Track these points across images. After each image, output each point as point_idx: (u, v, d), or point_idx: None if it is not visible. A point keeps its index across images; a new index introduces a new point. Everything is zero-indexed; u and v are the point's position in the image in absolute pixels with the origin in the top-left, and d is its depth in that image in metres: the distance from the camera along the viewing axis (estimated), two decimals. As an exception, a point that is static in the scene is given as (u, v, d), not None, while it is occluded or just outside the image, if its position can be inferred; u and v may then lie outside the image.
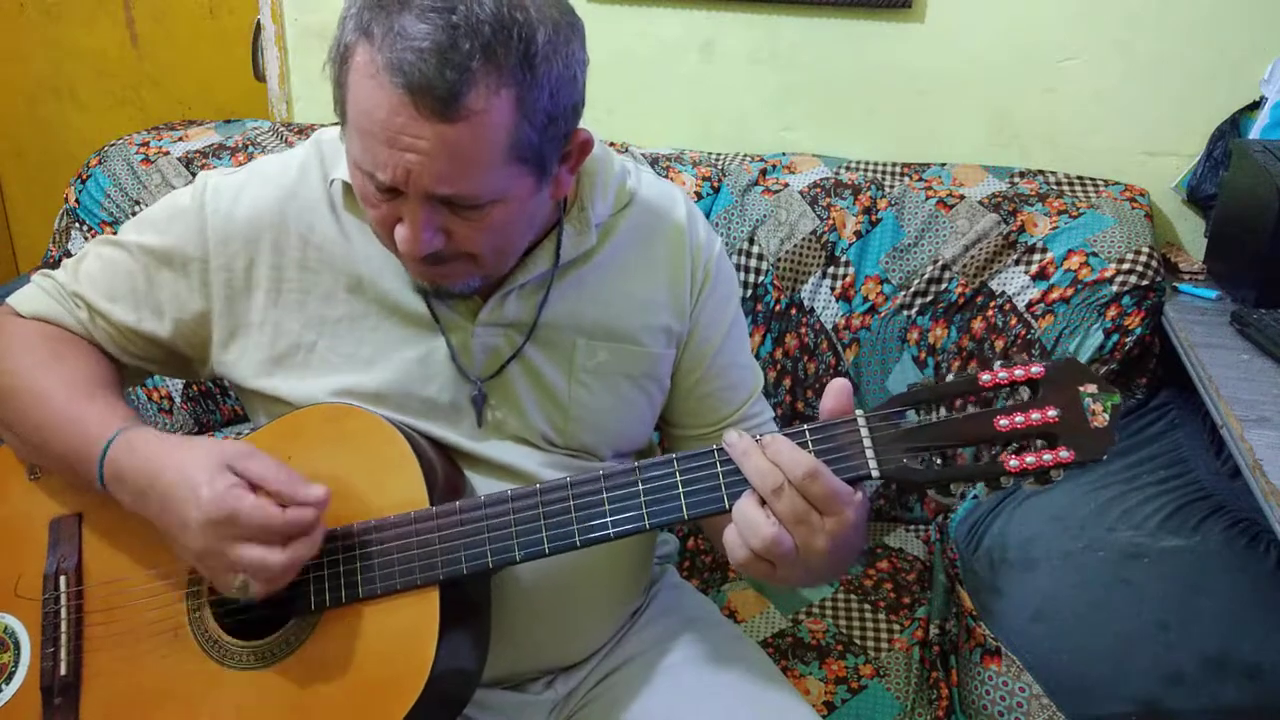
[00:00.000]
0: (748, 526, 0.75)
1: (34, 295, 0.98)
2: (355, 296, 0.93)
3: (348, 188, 0.92)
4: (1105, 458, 0.73)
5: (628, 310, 0.98)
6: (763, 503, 0.75)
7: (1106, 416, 0.73)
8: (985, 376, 0.75)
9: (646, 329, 0.99)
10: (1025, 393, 0.75)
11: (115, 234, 0.98)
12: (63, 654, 0.88)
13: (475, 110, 0.75)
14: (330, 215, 0.93)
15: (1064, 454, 0.73)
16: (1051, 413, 0.73)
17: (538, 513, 0.82)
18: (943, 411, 0.76)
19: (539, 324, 0.94)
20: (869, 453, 0.76)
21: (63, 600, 0.89)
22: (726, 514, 0.78)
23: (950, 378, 0.75)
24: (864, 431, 0.76)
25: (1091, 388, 0.74)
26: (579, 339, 0.96)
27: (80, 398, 0.89)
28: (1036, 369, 0.74)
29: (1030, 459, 0.73)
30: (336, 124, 1.02)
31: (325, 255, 0.93)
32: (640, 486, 0.80)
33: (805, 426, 0.78)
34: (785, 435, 0.77)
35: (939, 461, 0.75)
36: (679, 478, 0.80)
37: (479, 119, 0.75)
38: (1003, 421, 0.74)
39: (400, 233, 0.81)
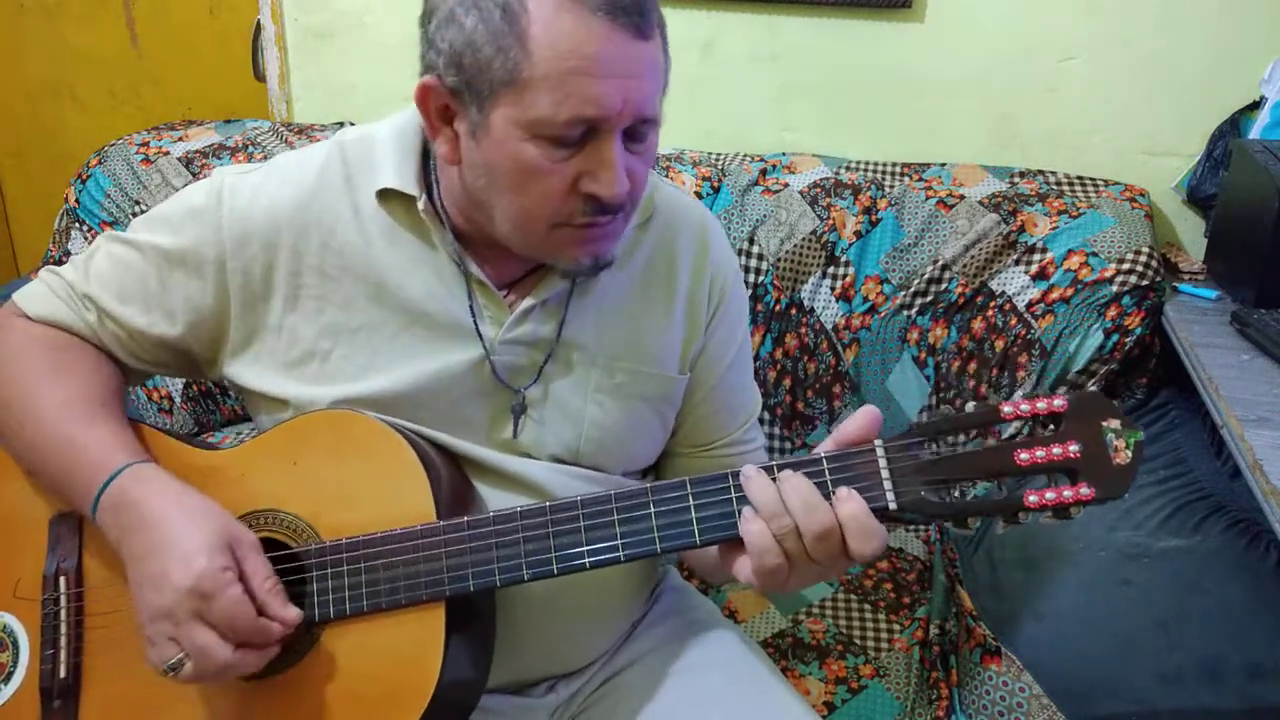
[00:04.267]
0: (755, 554, 0.76)
1: (42, 295, 0.95)
2: (375, 305, 0.90)
3: (386, 195, 0.90)
4: (1126, 495, 0.72)
5: (648, 331, 0.96)
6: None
7: (1129, 454, 0.72)
8: (1007, 409, 0.73)
9: (665, 351, 0.97)
10: (1048, 426, 0.74)
11: (126, 230, 0.95)
12: (62, 656, 0.86)
13: (657, 25, 0.80)
14: (353, 221, 0.90)
15: (1084, 490, 0.71)
16: (1073, 448, 0.72)
17: (547, 532, 0.80)
18: (962, 442, 0.74)
19: (560, 342, 0.93)
20: (887, 484, 0.75)
21: (63, 601, 0.88)
22: (738, 541, 0.78)
23: (970, 408, 0.74)
24: (882, 462, 0.75)
25: (1115, 423, 0.72)
26: (598, 359, 0.94)
27: (81, 421, 0.87)
28: (1059, 402, 0.73)
29: (1050, 495, 0.71)
30: (341, 125, 1.01)
31: (345, 262, 0.90)
32: (652, 509, 0.79)
33: (823, 455, 0.76)
34: (804, 470, 0.76)
35: (957, 494, 0.74)
36: (692, 502, 0.78)
37: (658, 34, 0.80)
38: (1023, 455, 0.72)
39: (603, 179, 0.80)
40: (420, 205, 0.89)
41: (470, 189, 0.86)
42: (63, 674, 0.86)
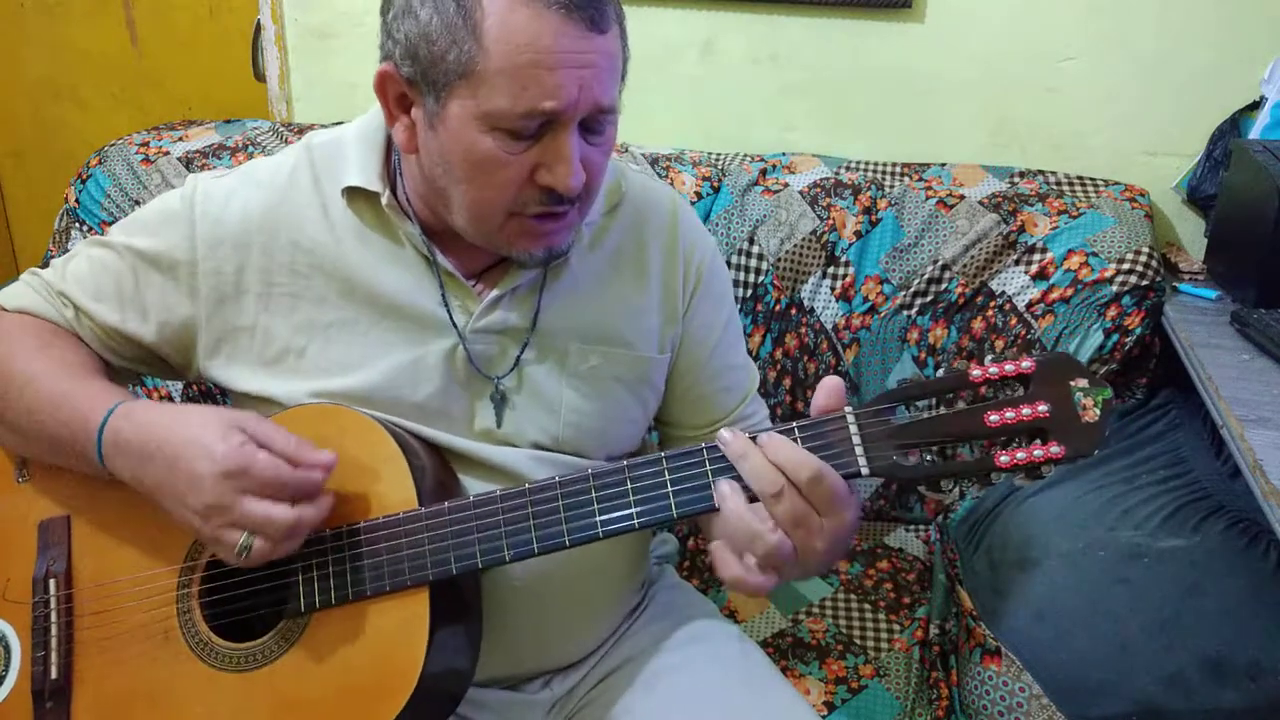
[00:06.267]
0: (748, 537, 0.74)
1: (21, 292, 0.98)
2: (347, 301, 0.92)
3: (353, 193, 0.92)
4: (1097, 452, 0.73)
5: (620, 314, 0.98)
6: (752, 499, 0.75)
7: (1098, 411, 0.73)
8: (975, 372, 0.74)
9: (639, 333, 0.98)
10: (1017, 388, 0.75)
11: (105, 235, 0.98)
12: (53, 657, 0.87)
13: (613, 19, 0.81)
14: (323, 220, 0.92)
15: (1054, 449, 0.72)
16: (1042, 408, 0.73)
17: (527, 512, 0.81)
18: (934, 407, 0.75)
19: (536, 330, 0.94)
20: (859, 450, 0.75)
21: (53, 604, 0.88)
22: (715, 512, 0.78)
23: (940, 373, 0.75)
24: (853, 429, 0.76)
25: (1083, 382, 0.73)
26: (572, 343, 0.96)
27: (74, 379, 0.88)
28: (1027, 364, 0.74)
29: (1021, 454, 0.72)
30: (334, 125, 1.02)
31: (316, 260, 0.92)
32: (629, 485, 0.80)
33: (794, 424, 0.77)
34: (778, 433, 0.76)
35: (929, 458, 0.75)
36: (667, 476, 0.79)
37: (615, 28, 0.81)
38: (993, 417, 0.73)
39: (558, 171, 0.81)
40: (384, 200, 0.90)
41: (429, 177, 0.87)
42: (54, 675, 0.87)
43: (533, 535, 0.81)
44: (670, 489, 0.79)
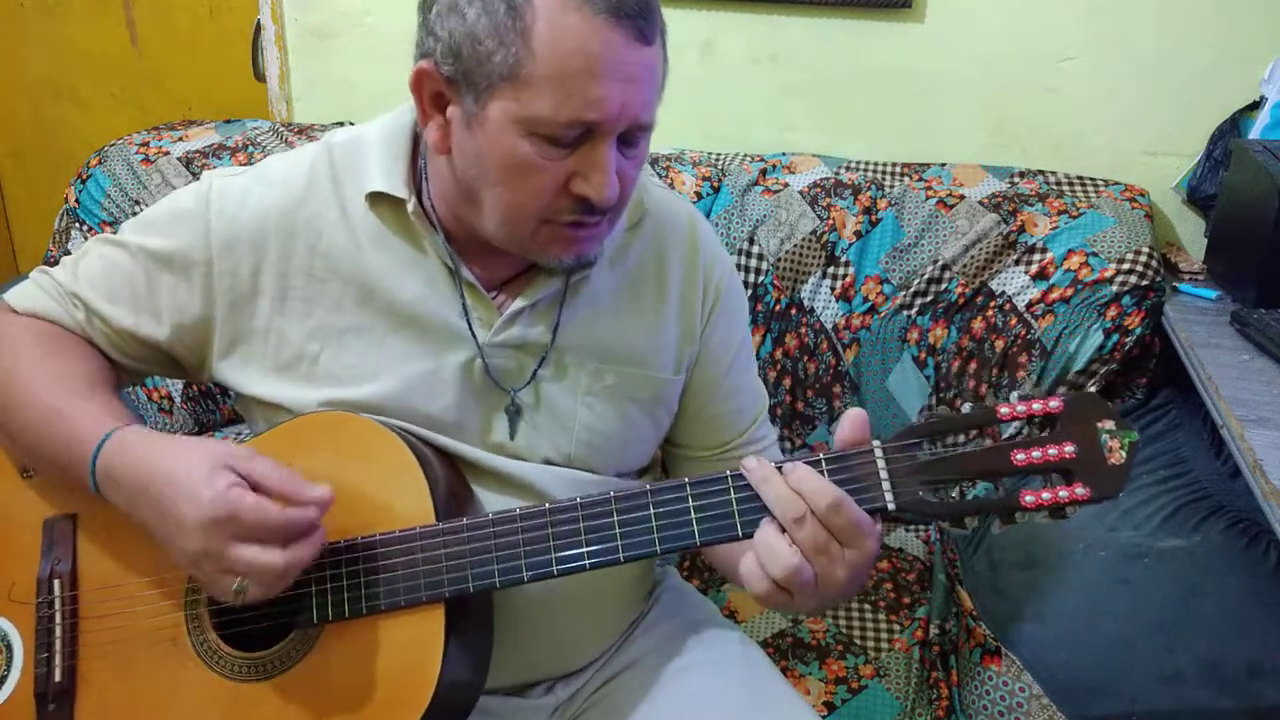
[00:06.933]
0: (769, 555, 0.74)
1: (31, 292, 0.95)
2: (363, 308, 0.90)
3: (376, 198, 0.90)
4: (1121, 495, 0.72)
5: (639, 332, 0.96)
6: (782, 530, 0.74)
7: (1124, 454, 0.72)
8: (1003, 409, 0.73)
9: (656, 352, 0.97)
10: (1044, 427, 0.74)
11: (117, 233, 0.95)
12: (57, 660, 0.86)
13: (659, 30, 0.80)
14: (341, 223, 0.90)
15: (1080, 491, 0.72)
16: (1069, 449, 0.72)
17: (546, 534, 0.80)
18: (960, 444, 0.75)
19: (555, 345, 0.93)
20: (885, 485, 0.75)
21: (57, 605, 0.87)
22: (739, 540, 0.77)
23: (967, 409, 0.74)
24: (881, 463, 0.75)
25: (1109, 424, 0.73)
26: (589, 360, 0.94)
27: (73, 395, 0.86)
28: (1055, 403, 0.73)
29: (1046, 495, 0.72)
30: (341, 124, 1.01)
31: (333, 264, 0.90)
32: (651, 510, 0.79)
33: (821, 456, 0.76)
34: (804, 464, 0.75)
35: (954, 495, 0.74)
36: (691, 503, 0.78)
37: (659, 39, 0.80)
38: (1019, 456, 0.73)
39: (594, 181, 0.80)
40: (410, 208, 0.89)
41: (460, 179, 0.85)
42: (58, 677, 0.86)
43: (552, 557, 0.80)
44: (694, 515, 0.78)
